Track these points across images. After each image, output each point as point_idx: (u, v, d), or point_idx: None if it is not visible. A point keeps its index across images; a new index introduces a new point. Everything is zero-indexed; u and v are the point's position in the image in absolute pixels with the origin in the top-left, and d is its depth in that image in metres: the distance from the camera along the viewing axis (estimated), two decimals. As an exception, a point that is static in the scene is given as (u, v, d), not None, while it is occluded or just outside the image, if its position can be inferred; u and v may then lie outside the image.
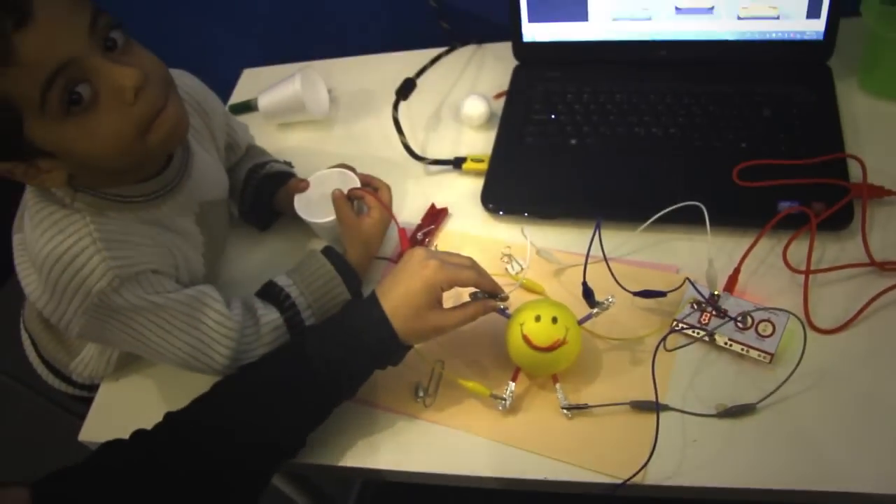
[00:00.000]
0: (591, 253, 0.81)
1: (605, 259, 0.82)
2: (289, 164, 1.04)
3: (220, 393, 0.77)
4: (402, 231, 0.93)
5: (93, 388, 0.92)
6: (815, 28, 0.96)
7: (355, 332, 0.75)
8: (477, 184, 0.99)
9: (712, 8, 0.98)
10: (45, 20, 0.62)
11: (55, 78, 0.63)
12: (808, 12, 0.95)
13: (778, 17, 0.97)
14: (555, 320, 0.75)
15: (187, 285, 0.81)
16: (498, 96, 1.09)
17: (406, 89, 1.07)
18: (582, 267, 0.81)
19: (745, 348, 0.76)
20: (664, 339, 0.76)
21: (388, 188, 0.94)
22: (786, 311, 0.77)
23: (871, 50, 0.95)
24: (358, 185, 0.93)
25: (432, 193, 1.00)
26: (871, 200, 0.84)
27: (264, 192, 0.99)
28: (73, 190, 0.73)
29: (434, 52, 1.19)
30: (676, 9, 1.00)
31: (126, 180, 0.76)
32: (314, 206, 0.93)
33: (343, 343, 0.75)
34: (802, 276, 0.80)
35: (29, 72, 0.62)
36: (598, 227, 0.80)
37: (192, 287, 0.81)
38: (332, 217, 0.91)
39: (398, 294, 0.75)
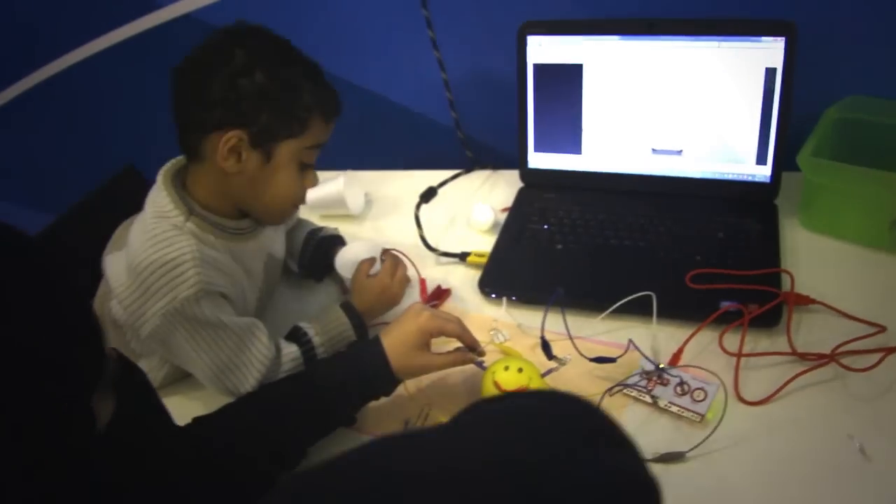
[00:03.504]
0: (560, 331, 0.99)
1: (569, 333, 0.99)
2: (336, 230, 1.26)
3: (244, 402, 0.93)
4: (422, 281, 1.18)
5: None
6: (764, 173, 1.17)
7: (358, 361, 0.93)
8: (476, 274, 1.18)
9: (681, 151, 1.21)
10: None
11: (321, 144, 1.01)
12: (757, 159, 1.17)
13: (734, 162, 1.19)
14: (520, 370, 0.92)
15: None
16: (504, 210, 1.30)
17: (428, 195, 1.30)
18: (556, 339, 0.99)
19: (682, 410, 0.91)
20: (609, 390, 0.92)
21: (404, 266, 1.15)
22: (716, 379, 0.93)
23: (806, 194, 1.15)
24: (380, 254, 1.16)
25: (439, 278, 1.20)
26: (798, 306, 1.02)
27: (323, 250, 1.21)
28: (188, 212, 0.96)
29: (457, 171, 1.43)
30: (652, 150, 1.22)
31: (234, 215, 1.03)
32: (349, 266, 1.14)
33: (347, 369, 0.92)
34: (735, 359, 0.96)
35: (325, 131, 1.01)
36: (557, 293, 0.98)
37: (247, 318, 1.00)
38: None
39: (395, 334, 0.93)
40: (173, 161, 1.03)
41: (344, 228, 1.29)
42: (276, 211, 1.04)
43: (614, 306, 1.02)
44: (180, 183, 1.01)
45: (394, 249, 1.17)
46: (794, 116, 1.13)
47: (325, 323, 1.04)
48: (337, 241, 1.23)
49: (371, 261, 1.13)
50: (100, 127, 1.88)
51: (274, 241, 1.14)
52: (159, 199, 0.98)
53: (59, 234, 1.26)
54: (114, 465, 0.57)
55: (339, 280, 1.19)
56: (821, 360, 0.94)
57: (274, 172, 0.98)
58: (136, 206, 1.03)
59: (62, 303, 0.54)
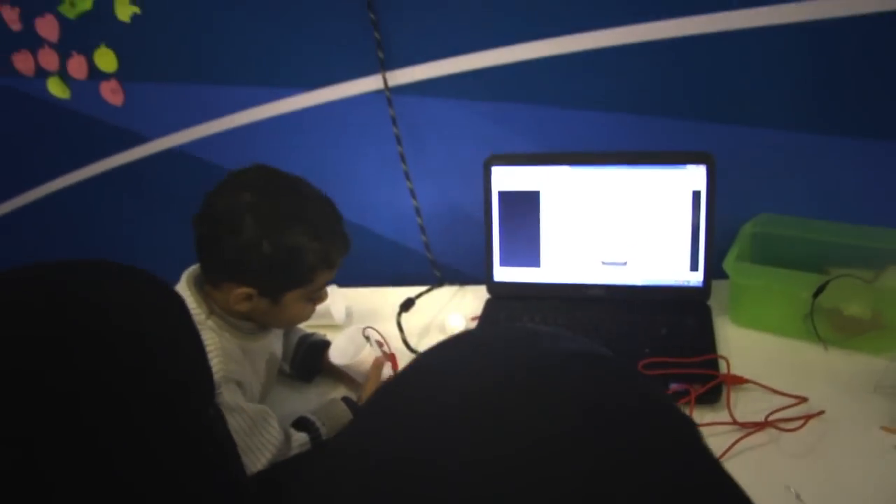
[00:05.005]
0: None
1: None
2: (325, 336, 1.41)
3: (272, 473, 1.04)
4: (392, 356, 1.33)
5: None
6: (697, 279, 1.38)
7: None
8: (454, 372, 1.32)
9: (626, 262, 1.41)
10: None
11: (327, 283, 1.16)
12: (690, 267, 1.37)
13: (670, 270, 1.39)
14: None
15: None
16: (473, 318, 1.47)
17: (408, 305, 1.46)
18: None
19: (644, 473, 1.06)
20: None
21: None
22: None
23: (733, 294, 1.35)
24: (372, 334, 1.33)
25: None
26: (735, 385, 1.19)
27: (313, 354, 1.35)
28: (209, 311, 1.08)
29: (428, 286, 1.61)
30: (602, 262, 1.42)
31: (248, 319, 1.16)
32: (342, 355, 1.28)
33: None
34: (686, 431, 1.12)
35: (330, 275, 1.16)
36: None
37: (259, 405, 1.12)
38: (352, 359, 1.27)
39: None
40: (196, 266, 1.16)
41: (330, 335, 1.43)
42: (288, 327, 1.24)
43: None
44: (201, 285, 1.14)
45: (369, 327, 1.34)
46: (717, 230, 1.35)
47: (329, 414, 1.17)
48: (326, 346, 1.37)
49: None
50: (85, 252, 2.00)
51: (276, 342, 1.27)
52: (183, 297, 1.12)
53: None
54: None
55: (336, 371, 1.33)
56: (757, 426, 1.11)
57: (284, 309, 1.14)
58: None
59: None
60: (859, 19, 1.26)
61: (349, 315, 1.56)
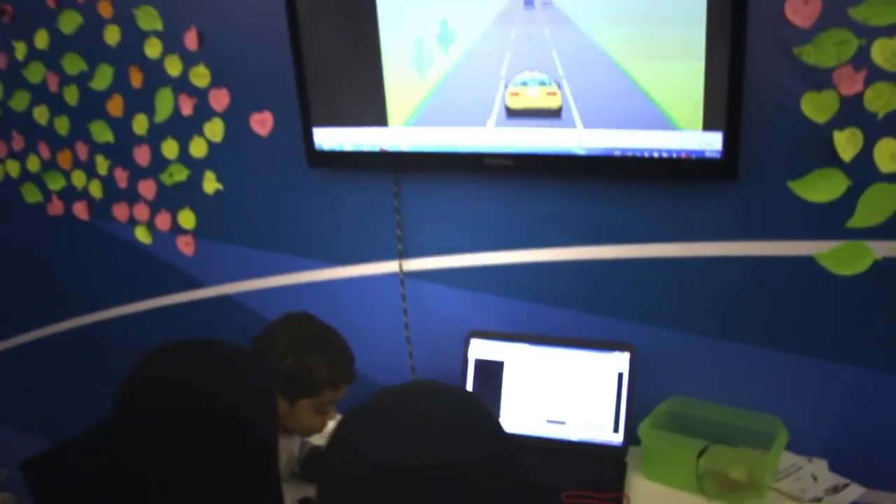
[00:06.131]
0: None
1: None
2: None
3: None
4: None
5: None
6: (618, 440, 1.78)
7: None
8: None
9: (565, 422, 1.82)
10: None
11: (334, 401, 1.58)
12: (613, 430, 1.79)
13: (598, 431, 1.80)
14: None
15: None
16: (443, 453, 1.85)
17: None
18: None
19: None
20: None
21: None
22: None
23: (644, 453, 1.75)
24: None
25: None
26: (630, 516, 1.58)
27: (318, 458, 1.71)
28: None
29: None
30: (546, 420, 1.83)
31: None
32: None
33: None
34: (592, 542, 1.49)
35: (336, 395, 1.57)
36: None
37: None
38: None
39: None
40: None
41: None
42: (302, 434, 1.62)
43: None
44: None
45: None
46: (642, 403, 1.77)
47: None
48: None
49: None
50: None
51: (296, 447, 1.66)
52: None
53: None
54: None
55: None
56: (644, 544, 1.49)
57: (297, 415, 1.56)
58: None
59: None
60: (755, 259, 1.73)
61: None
